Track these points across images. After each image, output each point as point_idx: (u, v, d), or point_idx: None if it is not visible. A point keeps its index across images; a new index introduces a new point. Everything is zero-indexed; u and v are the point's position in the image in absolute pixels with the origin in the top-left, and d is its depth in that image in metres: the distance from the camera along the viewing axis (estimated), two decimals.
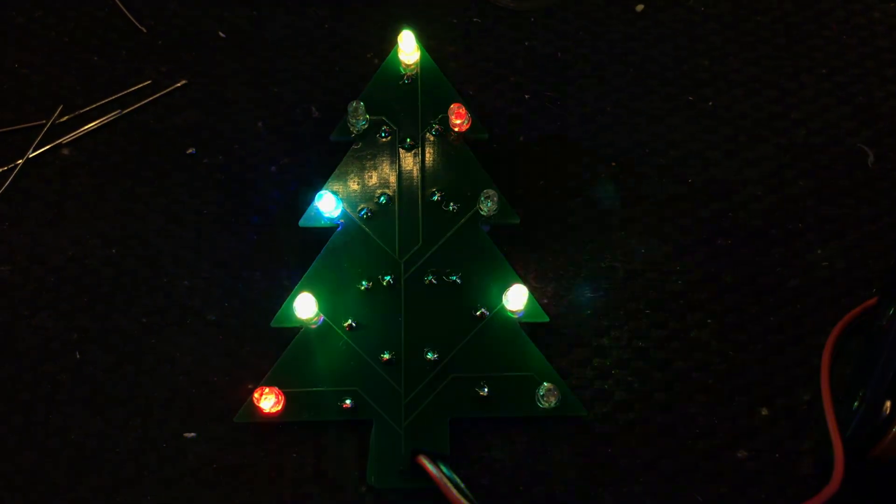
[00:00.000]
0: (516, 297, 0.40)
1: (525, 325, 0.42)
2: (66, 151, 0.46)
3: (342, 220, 0.43)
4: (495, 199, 0.42)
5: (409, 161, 0.44)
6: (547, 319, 0.42)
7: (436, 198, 0.43)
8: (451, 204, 0.43)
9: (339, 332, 0.41)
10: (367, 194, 0.43)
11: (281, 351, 0.41)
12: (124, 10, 0.49)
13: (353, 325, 0.41)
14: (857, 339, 0.42)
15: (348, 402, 0.40)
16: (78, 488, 0.40)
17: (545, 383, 0.39)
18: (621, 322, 0.42)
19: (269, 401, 0.39)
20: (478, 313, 0.41)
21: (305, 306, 0.40)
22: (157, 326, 0.42)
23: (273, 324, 0.41)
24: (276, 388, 0.39)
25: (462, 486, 0.37)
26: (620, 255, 0.44)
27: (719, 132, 0.46)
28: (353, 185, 0.43)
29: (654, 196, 0.45)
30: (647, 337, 0.42)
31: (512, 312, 0.41)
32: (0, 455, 0.40)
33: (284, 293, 0.42)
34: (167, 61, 0.48)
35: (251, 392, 0.39)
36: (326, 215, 0.42)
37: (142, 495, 0.40)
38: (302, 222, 0.43)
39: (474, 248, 0.42)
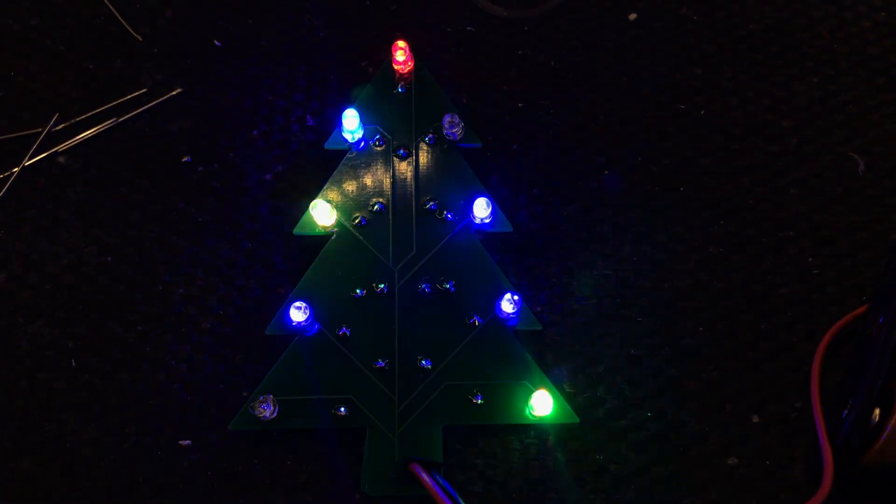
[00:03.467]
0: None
1: (518, 333, 0.42)
2: (61, 159, 0.46)
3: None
4: (488, 207, 0.42)
5: (402, 169, 0.44)
6: (540, 327, 0.42)
7: (429, 206, 0.43)
8: (445, 212, 0.43)
9: (333, 339, 0.41)
10: (361, 202, 0.44)
11: (275, 359, 0.41)
12: (120, 18, 0.49)
13: (347, 332, 0.41)
14: (847, 347, 0.42)
15: (342, 409, 0.40)
16: (73, 495, 0.40)
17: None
18: (613, 330, 0.43)
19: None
20: (471, 321, 0.41)
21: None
22: (152, 334, 0.43)
23: (267, 331, 0.41)
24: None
25: (455, 494, 0.37)
26: (613, 263, 0.44)
27: (711, 140, 0.46)
28: (348, 194, 0.44)
29: (647, 204, 0.45)
30: (639, 344, 0.42)
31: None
32: None
33: (279, 301, 0.42)
34: (162, 69, 0.48)
35: (245, 399, 0.39)
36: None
37: (136, 503, 0.40)
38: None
39: (468, 256, 0.43)
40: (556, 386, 0.41)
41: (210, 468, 0.40)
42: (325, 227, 0.43)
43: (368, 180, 0.44)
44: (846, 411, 0.38)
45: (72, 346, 0.42)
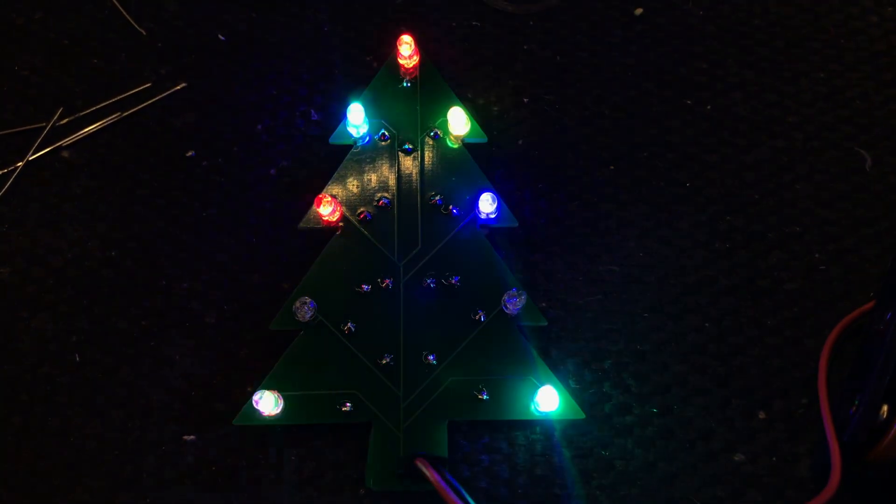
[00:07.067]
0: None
1: (523, 329, 0.42)
2: (65, 154, 0.46)
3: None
4: (494, 202, 0.42)
5: (408, 164, 0.44)
6: (545, 322, 0.42)
7: (435, 201, 0.43)
8: (451, 207, 0.43)
9: (338, 335, 0.41)
10: (366, 197, 0.43)
11: (280, 353, 0.41)
12: (124, 12, 0.49)
13: (352, 328, 0.41)
14: (854, 343, 0.42)
15: (347, 404, 0.40)
16: (76, 490, 0.40)
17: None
18: (619, 325, 0.43)
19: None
20: (476, 317, 0.41)
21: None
22: (156, 329, 0.42)
23: (272, 326, 0.41)
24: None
25: (460, 489, 0.37)
26: (618, 258, 0.44)
27: (717, 135, 0.46)
28: (352, 189, 0.44)
29: (652, 199, 0.45)
30: (644, 340, 0.42)
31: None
32: None
33: (283, 296, 0.42)
34: (167, 64, 0.48)
35: (250, 395, 0.39)
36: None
37: (140, 497, 0.40)
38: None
39: (473, 251, 0.43)
40: (562, 381, 0.41)
41: (214, 463, 0.40)
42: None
43: (373, 175, 0.44)
44: (853, 408, 0.38)
45: (75, 341, 0.42)
